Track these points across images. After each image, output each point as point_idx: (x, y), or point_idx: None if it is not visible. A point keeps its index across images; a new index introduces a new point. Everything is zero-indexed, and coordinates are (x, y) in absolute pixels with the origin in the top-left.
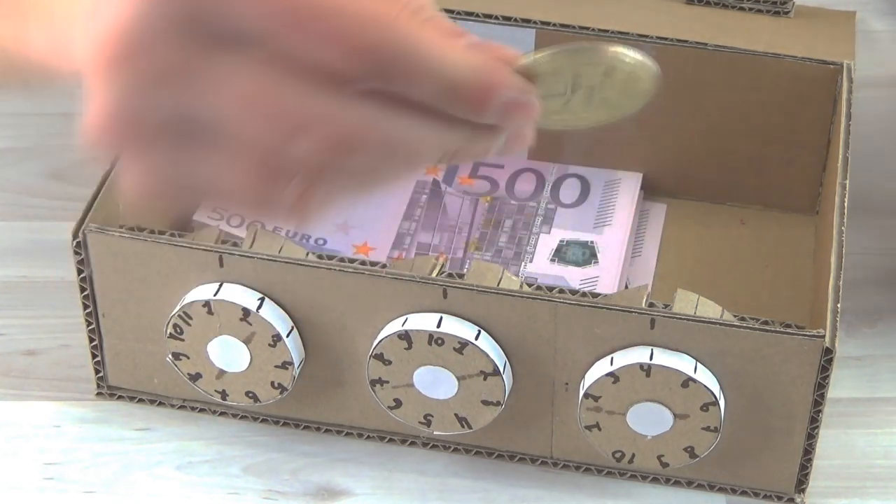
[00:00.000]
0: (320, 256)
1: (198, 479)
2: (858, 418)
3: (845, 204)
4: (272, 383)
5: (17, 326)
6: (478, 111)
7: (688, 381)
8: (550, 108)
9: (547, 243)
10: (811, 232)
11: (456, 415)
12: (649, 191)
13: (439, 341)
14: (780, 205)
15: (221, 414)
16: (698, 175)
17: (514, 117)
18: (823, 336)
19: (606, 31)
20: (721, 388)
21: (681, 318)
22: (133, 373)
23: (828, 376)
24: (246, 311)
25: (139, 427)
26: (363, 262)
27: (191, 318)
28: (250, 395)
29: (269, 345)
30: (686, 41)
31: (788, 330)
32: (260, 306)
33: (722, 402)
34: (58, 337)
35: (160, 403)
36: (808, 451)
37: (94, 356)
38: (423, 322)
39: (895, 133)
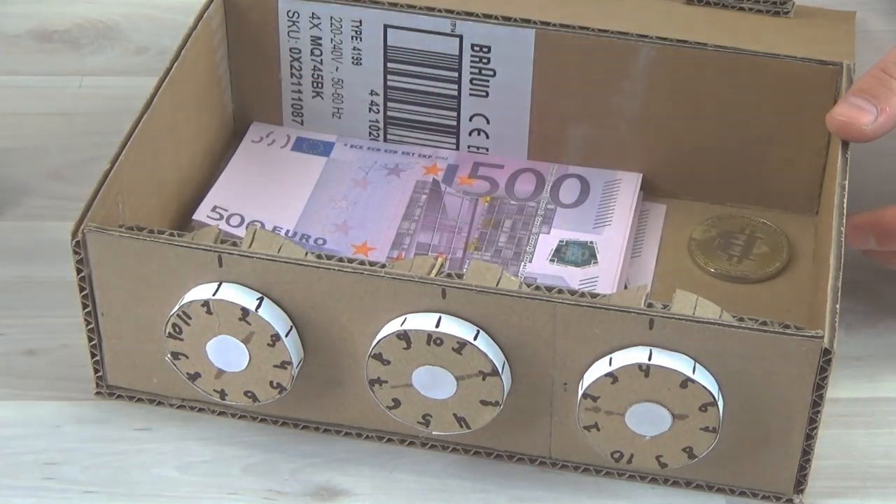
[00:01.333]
0: (319, 256)
1: (197, 479)
2: (858, 418)
3: (844, 204)
4: (271, 383)
5: (17, 326)
6: None
7: (686, 382)
8: None
9: (546, 243)
10: (811, 232)
11: (455, 415)
12: (649, 191)
13: (438, 341)
14: (780, 205)
15: (220, 413)
16: (698, 175)
17: None
18: (822, 337)
19: (606, 31)
20: (720, 388)
21: (679, 319)
22: (132, 372)
23: (826, 377)
24: (245, 311)
25: (139, 427)
26: (362, 262)
27: (190, 317)
28: (249, 394)
29: (268, 344)
30: (686, 41)
31: (787, 331)
32: (259, 306)
33: (720, 403)
34: (58, 337)
35: (159, 403)
36: (807, 452)
37: (93, 355)
38: (421, 322)
39: (895, 133)
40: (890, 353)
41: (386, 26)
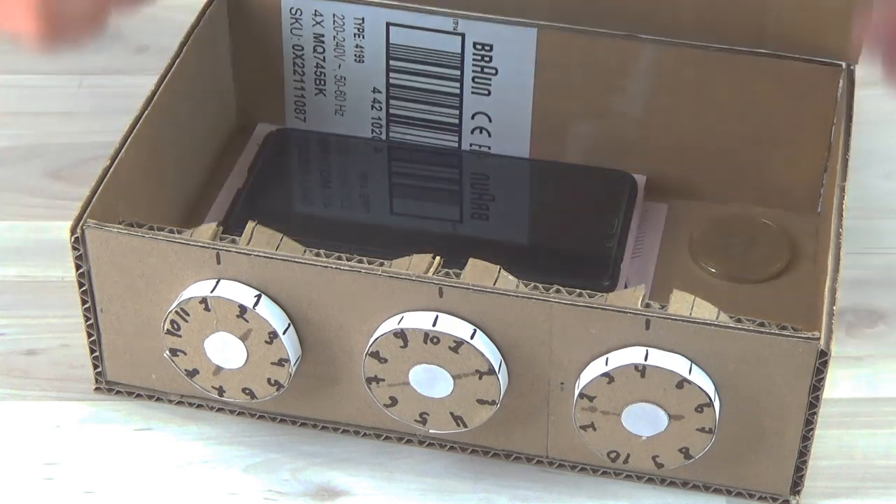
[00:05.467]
0: (317, 254)
1: (198, 479)
2: (859, 419)
3: (843, 205)
4: (269, 380)
5: (17, 326)
6: None
7: (682, 382)
8: None
9: None
10: (813, 232)
11: (451, 413)
12: (649, 191)
13: (435, 340)
14: (781, 205)
15: (219, 410)
16: (699, 175)
17: None
18: (818, 338)
19: (608, 30)
20: (716, 389)
21: (676, 319)
22: (131, 368)
23: (823, 378)
24: (242, 308)
25: (139, 427)
26: (360, 260)
27: (188, 314)
28: (247, 391)
29: (266, 342)
30: (686, 41)
31: (783, 332)
32: (256, 303)
33: (717, 404)
34: (58, 336)
35: (157, 399)
36: (804, 453)
37: (91, 352)
38: (418, 320)
39: (894, 133)
40: (890, 353)
41: (388, 24)
